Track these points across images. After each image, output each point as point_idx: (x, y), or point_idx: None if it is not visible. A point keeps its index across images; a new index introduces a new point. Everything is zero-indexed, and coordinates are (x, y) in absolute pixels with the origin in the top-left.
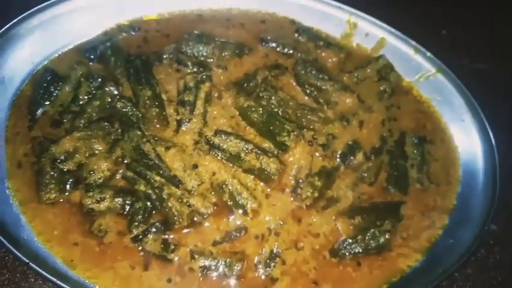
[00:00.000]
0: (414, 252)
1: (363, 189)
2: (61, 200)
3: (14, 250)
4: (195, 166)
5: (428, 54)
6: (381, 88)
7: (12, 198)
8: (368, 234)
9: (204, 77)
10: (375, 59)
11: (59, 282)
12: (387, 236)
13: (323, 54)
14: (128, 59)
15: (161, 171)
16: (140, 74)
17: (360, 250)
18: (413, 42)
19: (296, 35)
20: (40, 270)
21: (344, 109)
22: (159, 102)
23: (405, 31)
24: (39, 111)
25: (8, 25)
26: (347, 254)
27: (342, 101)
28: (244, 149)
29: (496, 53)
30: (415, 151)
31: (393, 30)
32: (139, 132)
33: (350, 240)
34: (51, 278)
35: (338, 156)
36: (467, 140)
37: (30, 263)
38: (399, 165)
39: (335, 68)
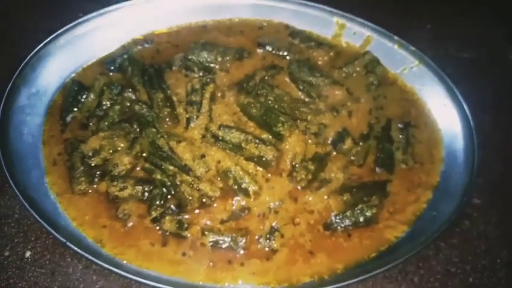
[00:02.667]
0: (400, 224)
1: (353, 171)
2: (90, 191)
3: (54, 232)
4: (203, 156)
5: (411, 47)
6: (369, 81)
7: (50, 190)
8: (357, 209)
9: (208, 79)
10: (362, 55)
11: (92, 258)
12: (374, 210)
13: (315, 53)
14: (143, 68)
15: (173, 162)
16: (154, 80)
17: (350, 223)
18: (397, 38)
19: (290, 38)
20: (76, 249)
21: (334, 101)
22: (170, 103)
23: (390, 28)
24: (69, 117)
25: (39, 46)
26: (338, 227)
27: (332, 94)
28: (245, 139)
29: (474, 44)
30: (400, 135)
31: (378, 28)
32: (154, 130)
33: (341, 215)
34: (85, 254)
35: (329, 142)
36: (448, 123)
37: (67, 243)
38: (385, 148)
39: (326, 65)
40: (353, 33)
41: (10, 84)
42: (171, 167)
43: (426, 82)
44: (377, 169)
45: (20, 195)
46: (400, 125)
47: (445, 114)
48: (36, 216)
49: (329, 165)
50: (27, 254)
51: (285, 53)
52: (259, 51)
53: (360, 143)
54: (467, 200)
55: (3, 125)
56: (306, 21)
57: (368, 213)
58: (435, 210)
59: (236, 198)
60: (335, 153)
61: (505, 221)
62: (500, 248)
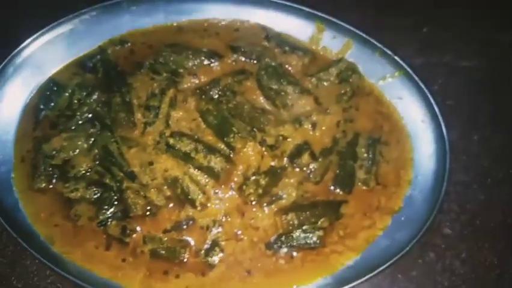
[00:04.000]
0: (349, 250)
1: (308, 188)
2: (49, 188)
3: (7, 227)
4: (151, 163)
5: (392, 56)
6: (342, 91)
7: (14, 186)
8: (302, 230)
9: (170, 84)
10: (336, 62)
11: (38, 256)
12: (320, 233)
13: (288, 59)
14: (106, 70)
15: (121, 167)
16: (113, 84)
17: (293, 245)
18: (378, 44)
19: (265, 41)
20: (24, 245)
21: (299, 111)
22: (127, 108)
23: (373, 34)
24: (41, 115)
25: (21, 46)
26: (281, 247)
27: (299, 103)
28: (194, 148)
29: (475, 51)
30: (366, 152)
31: (359, 32)
32: (109, 134)
33: (285, 235)
34: (33, 252)
35: (287, 156)
36: (423, 142)
37: (18, 239)
38: (347, 165)
39: (298, 72)
40: (333, 38)
41: None
42: (119, 173)
43: (405, 95)
44: (334, 188)
45: None
46: (368, 141)
47: (420, 132)
48: None
49: (283, 180)
50: None
51: (257, 58)
52: (231, 55)
53: (320, 159)
54: (430, 233)
55: None
56: (285, 23)
57: (314, 236)
58: (390, 239)
59: (182, 208)
60: (291, 168)
61: (475, 256)
62: (466, 286)
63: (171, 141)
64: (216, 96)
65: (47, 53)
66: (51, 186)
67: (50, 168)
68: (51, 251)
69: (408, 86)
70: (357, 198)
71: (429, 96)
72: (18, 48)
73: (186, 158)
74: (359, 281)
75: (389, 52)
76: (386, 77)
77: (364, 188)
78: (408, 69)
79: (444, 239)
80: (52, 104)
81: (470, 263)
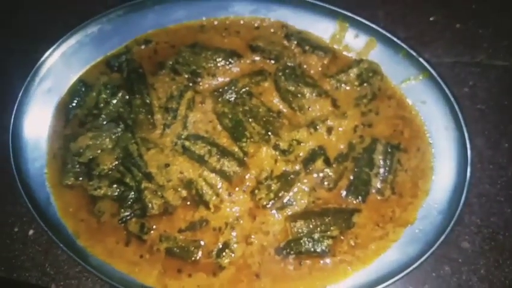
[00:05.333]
0: (358, 261)
1: (320, 195)
2: (76, 185)
3: (39, 220)
4: (167, 165)
5: (417, 57)
6: (361, 94)
7: (46, 181)
8: (311, 238)
9: (188, 85)
10: (357, 63)
11: (65, 249)
12: (330, 242)
13: (308, 59)
14: (129, 72)
15: (139, 168)
16: (134, 85)
17: (302, 251)
18: (403, 44)
19: (285, 40)
20: (54, 238)
21: (316, 115)
22: (147, 109)
23: (405, 31)
24: (71, 114)
25: (52, 47)
26: (290, 253)
27: (315, 106)
28: (208, 152)
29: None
30: (384, 159)
31: (383, 31)
32: (129, 135)
33: (294, 241)
34: (60, 244)
35: (301, 161)
36: (445, 150)
37: (48, 231)
38: (362, 173)
39: (317, 73)
40: (355, 36)
41: (27, 81)
42: (138, 173)
43: (429, 99)
44: (347, 195)
45: (18, 182)
46: (386, 148)
47: (443, 140)
48: (28, 204)
49: (296, 185)
50: (31, 232)
51: (277, 57)
52: (250, 54)
53: (334, 165)
54: (447, 246)
55: (17, 117)
56: (306, 21)
57: (323, 245)
58: (400, 252)
59: (196, 209)
60: (304, 173)
61: (495, 274)
62: None
63: (186, 143)
64: (233, 98)
65: (77, 53)
66: (78, 182)
67: (78, 166)
68: (77, 244)
69: (433, 90)
70: (370, 208)
71: (453, 101)
72: (50, 50)
73: (201, 160)
74: None
75: (414, 53)
76: (410, 79)
77: (379, 197)
78: (433, 72)
79: (462, 253)
80: (81, 103)
81: (489, 280)
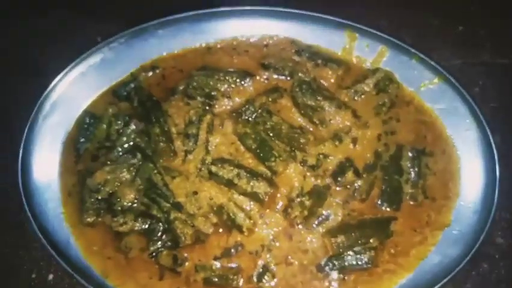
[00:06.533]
0: (402, 269)
1: (354, 206)
2: (98, 222)
3: (64, 264)
4: (195, 193)
5: (430, 61)
6: (380, 102)
7: (64, 221)
8: (353, 251)
9: (206, 109)
10: (372, 72)
11: None
12: (372, 253)
13: (321, 72)
14: (141, 101)
15: (167, 198)
16: (150, 113)
17: (345, 266)
18: (414, 50)
19: (296, 55)
20: (82, 281)
21: (338, 127)
22: (166, 137)
23: (410, 37)
24: (82, 149)
25: (54, 81)
26: (332, 269)
27: (337, 119)
28: (237, 175)
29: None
30: (411, 165)
31: (393, 39)
32: (151, 165)
33: (336, 257)
34: (91, 287)
35: (330, 174)
36: (470, 151)
37: (75, 275)
38: (392, 180)
39: (333, 85)
40: (366, 46)
41: (30, 119)
42: (165, 203)
43: (447, 102)
44: (381, 205)
45: (35, 226)
46: (412, 153)
47: (466, 142)
48: (49, 248)
49: (328, 199)
50: (50, 277)
51: (289, 74)
52: (263, 73)
53: (364, 175)
54: (482, 243)
55: (25, 158)
56: (314, 35)
57: (365, 257)
58: (442, 255)
59: (230, 234)
60: (334, 186)
61: None
62: None
63: (213, 168)
64: (252, 118)
65: (81, 85)
66: (99, 219)
67: (97, 202)
68: (107, 284)
69: (450, 92)
70: (405, 215)
71: (471, 102)
72: (52, 84)
73: (229, 184)
74: None
75: (426, 58)
76: (425, 83)
77: (412, 202)
78: (448, 75)
79: (498, 249)
80: (91, 136)
81: None
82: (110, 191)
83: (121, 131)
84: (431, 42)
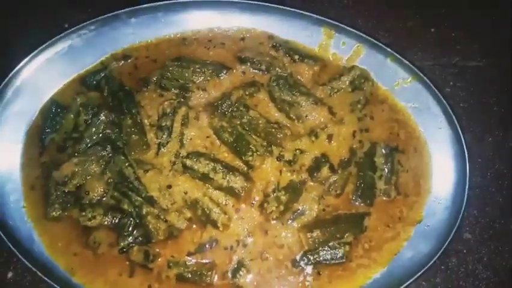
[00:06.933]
0: (375, 264)
1: (329, 202)
2: (64, 216)
3: (25, 261)
4: (169, 187)
5: (404, 61)
6: (355, 99)
7: (26, 216)
8: (327, 246)
9: (180, 102)
10: (348, 70)
11: None
12: (346, 248)
13: (298, 68)
14: (113, 91)
15: (139, 192)
16: (123, 104)
17: (320, 261)
18: (389, 50)
19: (273, 50)
20: (46, 278)
21: (315, 123)
22: (139, 129)
23: (385, 38)
24: (47, 139)
25: (18, 66)
26: (307, 264)
27: (313, 115)
28: (213, 169)
29: (483, 54)
30: (385, 162)
31: (369, 38)
32: (122, 157)
33: (311, 252)
34: (55, 285)
35: (306, 170)
36: (441, 150)
37: (38, 272)
38: (366, 176)
39: (309, 81)
40: (342, 44)
41: None
42: (137, 198)
43: (420, 101)
44: (356, 200)
45: None
46: (385, 150)
47: (438, 139)
48: (9, 244)
49: (304, 194)
50: (9, 274)
51: (267, 68)
52: (240, 66)
53: (339, 171)
54: (453, 238)
55: None
56: (292, 30)
57: (340, 252)
58: (413, 250)
59: (204, 230)
60: (310, 181)
61: (497, 260)
62: None
63: (188, 162)
64: (229, 112)
65: (47, 72)
66: (66, 213)
67: (63, 195)
68: (73, 282)
69: (423, 92)
70: (379, 210)
71: (444, 101)
72: (15, 69)
73: (205, 178)
74: None
75: (401, 57)
76: (400, 82)
77: (385, 198)
78: (422, 75)
79: (465, 244)
80: (57, 126)
81: (492, 267)
82: (78, 184)
83: (90, 121)
84: (405, 43)
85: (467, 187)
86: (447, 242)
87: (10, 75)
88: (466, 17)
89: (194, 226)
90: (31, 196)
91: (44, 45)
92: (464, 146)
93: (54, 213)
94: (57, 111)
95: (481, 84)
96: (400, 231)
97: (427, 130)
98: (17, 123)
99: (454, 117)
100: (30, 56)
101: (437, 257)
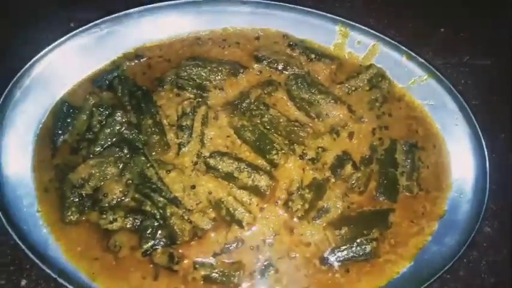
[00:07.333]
0: (402, 259)
1: (353, 199)
2: (82, 220)
3: (45, 267)
4: (193, 187)
5: (420, 59)
6: (373, 97)
7: (41, 220)
8: (355, 243)
9: (200, 101)
10: (365, 68)
11: None
12: (374, 245)
13: (315, 67)
14: (131, 90)
15: (163, 193)
16: (141, 104)
17: (348, 258)
18: (404, 48)
19: (289, 49)
20: (66, 284)
21: (335, 121)
22: (159, 129)
23: (396, 37)
24: (59, 141)
25: (26, 65)
26: (335, 261)
27: (333, 113)
28: (237, 168)
29: (491, 52)
30: (405, 158)
31: (384, 37)
32: (143, 158)
33: (339, 249)
34: None
35: (329, 168)
36: (459, 145)
37: (58, 278)
38: (388, 173)
39: (326, 80)
40: (357, 43)
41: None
42: (161, 198)
43: (436, 98)
44: (379, 197)
45: (9, 228)
46: (405, 147)
47: (456, 135)
48: (27, 251)
49: (328, 192)
50: (23, 282)
51: (284, 67)
52: (256, 65)
53: (362, 168)
54: (476, 230)
55: None
56: (306, 29)
57: (368, 248)
58: (439, 244)
59: (229, 229)
60: (333, 179)
61: None
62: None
63: (212, 162)
64: (248, 111)
65: (57, 72)
66: (83, 217)
67: (80, 198)
68: (94, 287)
69: (438, 89)
70: (402, 206)
71: (460, 98)
72: (24, 68)
73: (228, 178)
74: None
75: (416, 55)
76: (415, 80)
77: (408, 194)
78: (438, 73)
79: (486, 238)
80: (69, 127)
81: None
82: (95, 187)
83: (104, 122)
84: (415, 43)
85: (488, 178)
86: (472, 234)
87: (18, 74)
88: (471, 18)
89: (218, 226)
90: (45, 200)
91: (54, 44)
92: (483, 140)
93: (71, 217)
94: (68, 112)
95: (489, 82)
96: (424, 226)
97: (444, 127)
98: (26, 125)
99: (470, 113)
100: (40, 54)
101: (463, 250)
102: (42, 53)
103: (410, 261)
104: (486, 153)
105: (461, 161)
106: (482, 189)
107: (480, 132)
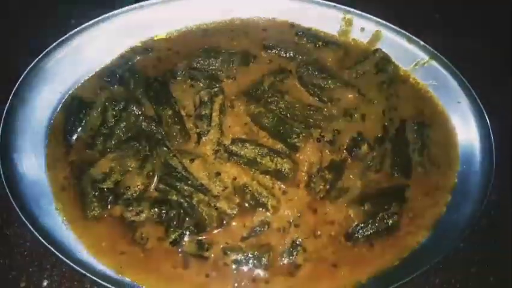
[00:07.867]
0: (421, 229)
1: (371, 177)
2: (105, 215)
3: (73, 264)
4: (218, 173)
5: (421, 42)
6: (380, 80)
7: (61, 217)
8: (378, 217)
9: (216, 90)
10: (372, 53)
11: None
12: (395, 218)
13: (323, 53)
14: (148, 82)
15: (189, 182)
16: (160, 95)
17: (372, 232)
18: (406, 33)
19: (296, 37)
20: (96, 279)
21: (347, 104)
22: (179, 119)
23: (397, 22)
24: (73, 137)
25: (34, 61)
26: (360, 237)
27: (344, 96)
28: (260, 153)
29: (487, 33)
30: (415, 136)
31: (386, 23)
32: (165, 149)
33: (362, 225)
34: (107, 284)
35: (345, 149)
36: (463, 121)
37: (87, 274)
38: (401, 151)
39: (335, 66)
40: (361, 29)
41: (7, 105)
42: (187, 187)
43: (439, 78)
44: (395, 174)
45: (31, 226)
46: (414, 126)
47: (460, 112)
48: (52, 249)
49: (346, 172)
50: (45, 283)
51: (292, 55)
52: (265, 54)
53: (376, 148)
54: (486, 201)
55: (4, 151)
56: (311, 18)
57: (390, 221)
58: (455, 213)
59: (255, 214)
60: (350, 159)
61: None
62: None
63: (234, 148)
64: (263, 98)
65: (64, 69)
66: (106, 212)
67: (101, 193)
68: (125, 281)
69: (440, 70)
70: (416, 182)
71: (461, 76)
72: (32, 64)
73: (251, 163)
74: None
75: (418, 39)
76: (418, 63)
77: (420, 170)
78: (439, 54)
79: (494, 206)
80: (82, 123)
81: None
82: (116, 181)
83: (119, 116)
84: (412, 29)
85: (493, 150)
86: (485, 202)
87: (26, 70)
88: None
89: (243, 211)
90: (63, 197)
91: (60, 39)
92: (485, 113)
93: (94, 212)
94: (80, 107)
95: (492, 64)
96: (438, 199)
97: (448, 104)
98: (36, 123)
99: (471, 90)
100: (47, 49)
101: (478, 218)
102: (49, 48)
103: (428, 231)
104: (490, 126)
105: (467, 136)
106: (489, 161)
107: (483, 108)
